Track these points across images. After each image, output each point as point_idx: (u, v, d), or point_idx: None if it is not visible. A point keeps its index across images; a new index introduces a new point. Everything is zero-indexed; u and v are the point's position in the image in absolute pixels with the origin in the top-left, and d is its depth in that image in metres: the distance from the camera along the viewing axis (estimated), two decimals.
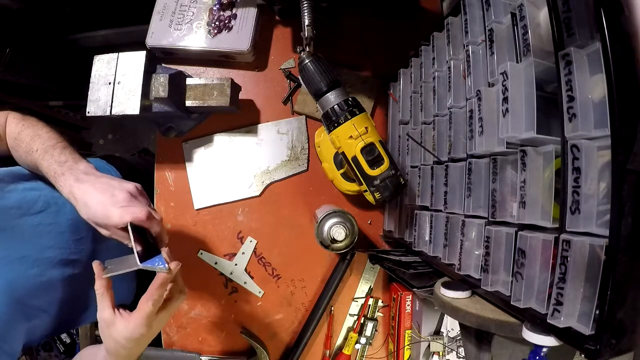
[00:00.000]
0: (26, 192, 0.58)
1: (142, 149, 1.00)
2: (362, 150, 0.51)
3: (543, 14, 0.37)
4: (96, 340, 1.07)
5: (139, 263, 0.47)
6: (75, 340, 1.29)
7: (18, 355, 0.54)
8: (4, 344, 0.51)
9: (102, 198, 0.50)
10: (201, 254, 0.76)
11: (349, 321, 0.77)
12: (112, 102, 0.62)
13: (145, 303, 0.47)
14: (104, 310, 0.48)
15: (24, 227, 0.56)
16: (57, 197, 0.61)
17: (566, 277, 0.31)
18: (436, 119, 0.55)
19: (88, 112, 0.63)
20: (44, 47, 1.45)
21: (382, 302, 0.77)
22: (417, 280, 0.59)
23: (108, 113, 0.62)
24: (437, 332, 0.66)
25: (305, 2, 0.54)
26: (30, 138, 0.57)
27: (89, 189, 0.51)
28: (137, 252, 0.48)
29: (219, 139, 0.77)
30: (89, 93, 0.63)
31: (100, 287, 0.48)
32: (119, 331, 0.48)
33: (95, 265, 0.49)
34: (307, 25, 0.53)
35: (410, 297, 0.69)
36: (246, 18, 0.73)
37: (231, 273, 0.76)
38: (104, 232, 0.51)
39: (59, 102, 1.69)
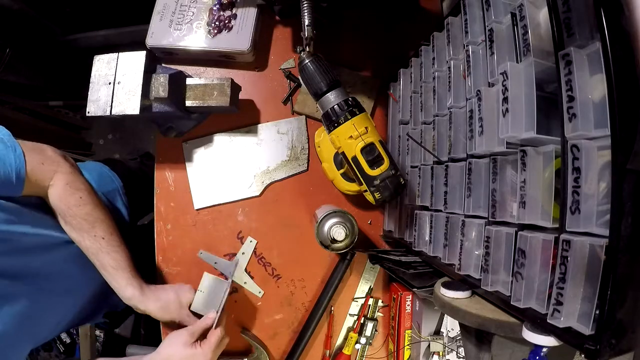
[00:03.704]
0: (38, 230, 0.60)
1: (144, 152, 0.99)
2: (362, 150, 0.51)
3: (543, 14, 0.37)
4: (96, 340, 1.07)
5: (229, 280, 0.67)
6: (75, 340, 1.29)
7: None
8: None
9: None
10: (201, 253, 0.76)
11: (349, 321, 0.77)
12: (112, 102, 0.62)
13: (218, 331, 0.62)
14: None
15: (43, 264, 0.60)
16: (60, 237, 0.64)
17: (566, 277, 0.31)
18: (436, 119, 0.55)
19: (88, 112, 0.63)
20: (44, 47, 1.45)
21: (382, 302, 0.77)
22: (417, 280, 0.59)
23: (108, 113, 0.62)
24: (437, 332, 0.66)
25: (305, 2, 0.54)
26: (94, 219, 0.61)
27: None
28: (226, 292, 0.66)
29: (219, 139, 0.77)
30: (89, 93, 0.63)
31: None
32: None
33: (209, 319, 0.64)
34: (307, 25, 0.53)
35: (410, 297, 0.69)
36: (246, 18, 0.73)
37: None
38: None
39: (59, 102, 1.69)
